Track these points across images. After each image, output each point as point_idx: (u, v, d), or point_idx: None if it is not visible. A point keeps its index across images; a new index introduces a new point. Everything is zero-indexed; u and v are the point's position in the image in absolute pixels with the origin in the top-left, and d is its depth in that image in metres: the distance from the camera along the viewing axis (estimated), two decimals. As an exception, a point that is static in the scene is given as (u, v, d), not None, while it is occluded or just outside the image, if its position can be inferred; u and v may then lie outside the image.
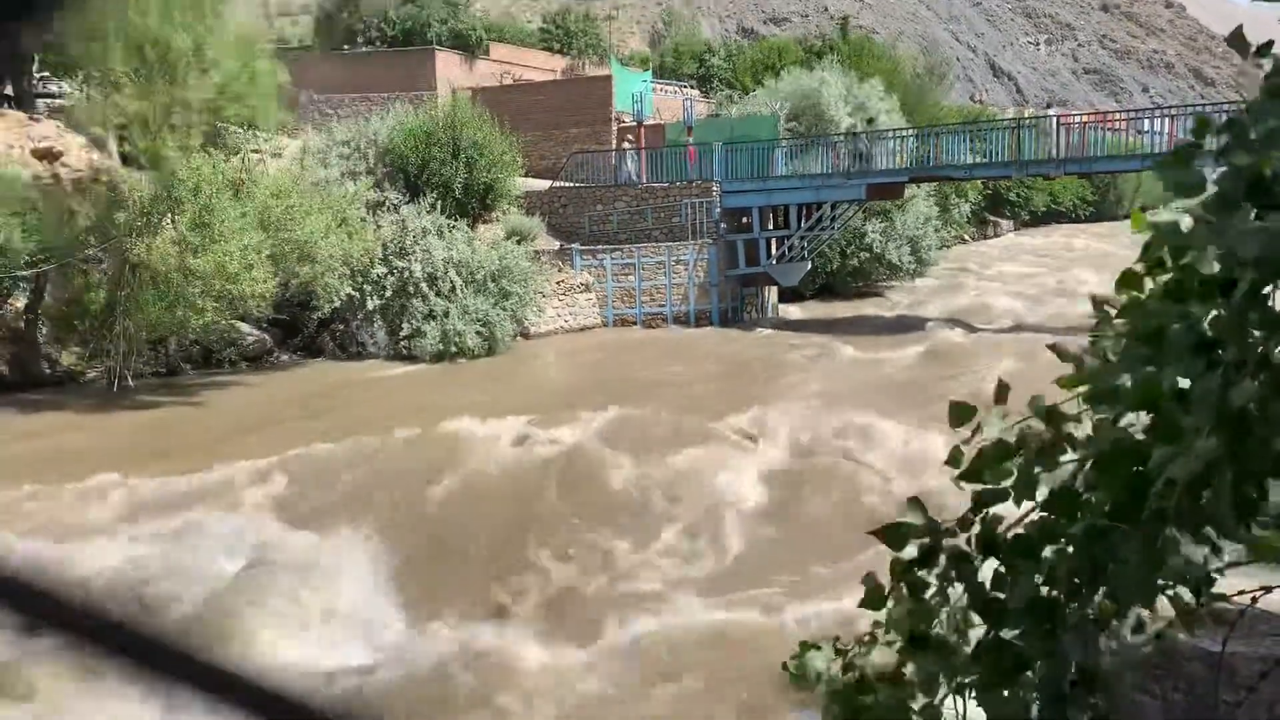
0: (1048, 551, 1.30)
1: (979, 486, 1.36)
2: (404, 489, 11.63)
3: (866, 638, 1.45)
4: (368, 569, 9.77)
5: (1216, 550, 1.27)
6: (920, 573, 1.37)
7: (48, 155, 20.89)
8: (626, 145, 30.78)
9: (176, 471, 12.46)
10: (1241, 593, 1.68)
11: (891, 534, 1.40)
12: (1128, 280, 1.28)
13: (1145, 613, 1.32)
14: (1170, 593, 1.30)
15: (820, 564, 9.77)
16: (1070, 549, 1.27)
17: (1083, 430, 1.32)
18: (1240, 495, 1.16)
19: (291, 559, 9.68)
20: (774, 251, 27.28)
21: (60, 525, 10.64)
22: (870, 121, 29.77)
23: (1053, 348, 1.41)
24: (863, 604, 1.43)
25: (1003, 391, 1.39)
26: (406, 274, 22.06)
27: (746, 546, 10.51)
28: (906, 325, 26.25)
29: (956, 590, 1.36)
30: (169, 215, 17.32)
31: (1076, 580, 1.27)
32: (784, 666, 1.52)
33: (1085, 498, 1.28)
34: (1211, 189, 1.21)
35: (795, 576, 9.54)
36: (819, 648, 1.47)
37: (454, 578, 9.70)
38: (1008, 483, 1.31)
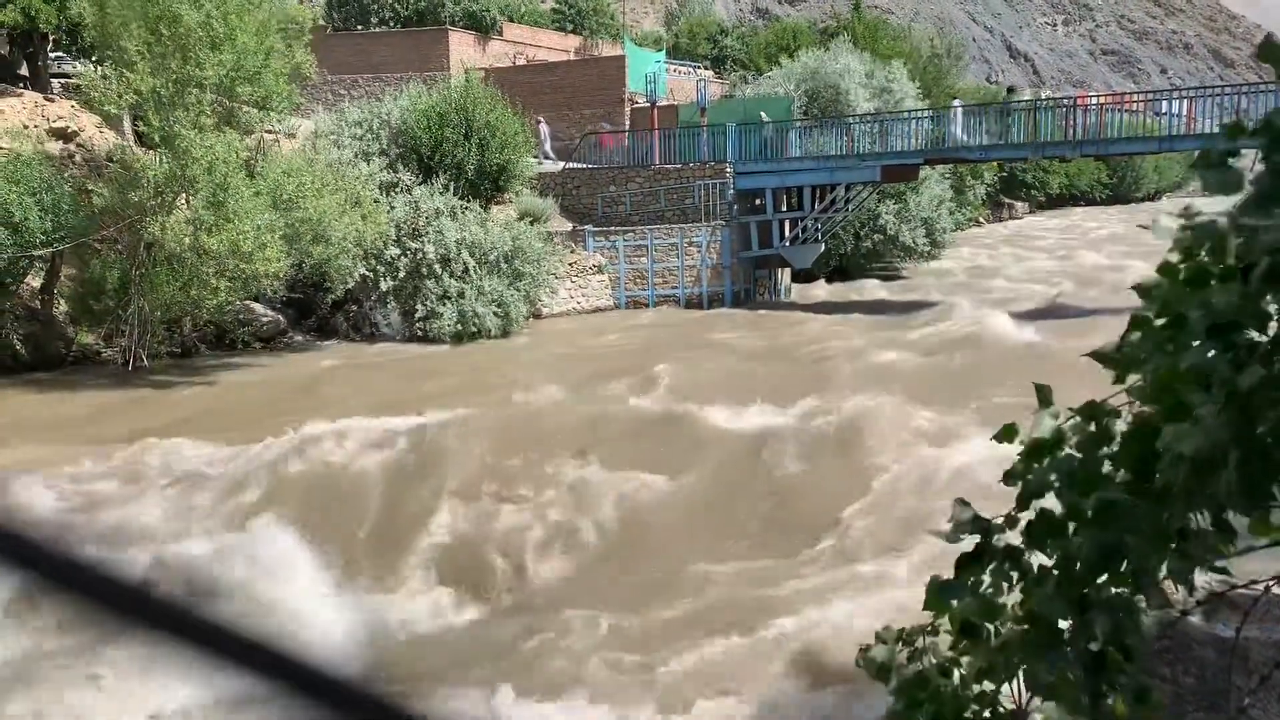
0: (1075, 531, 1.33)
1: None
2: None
3: (929, 628, 1.48)
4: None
5: (1230, 531, 1.28)
6: (975, 568, 1.41)
7: (63, 135, 20.96)
8: (540, 123, 31.18)
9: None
10: (1253, 582, 1.68)
11: (950, 536, 1.44)
12: (1165, 270, 1.30)
13: (1171, 592, 1.34)
14: (1175, 565, 1.31)
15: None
16: (1091, 527, 1.29)
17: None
18: (1249, 475, 1.17)
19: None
20: (787, 233, 27.20)
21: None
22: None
23: (1094, 355, 1.42)
24: (926, 606, 1.46)
25: (1044, 393, 1.42)
26: (420, 255, 22.07)
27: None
28: (920, 306, 26.17)
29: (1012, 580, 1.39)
30: (183, 194, 17.37)
31: (1101, 559, 1.29)
32: (857, 662, 1.55)
33: (1111, 477, 1.30)
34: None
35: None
36: (884, 640, 1.51)
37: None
38: (1053, 478, 1.33)
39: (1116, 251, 39.20)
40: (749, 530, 10.47)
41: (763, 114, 28.43)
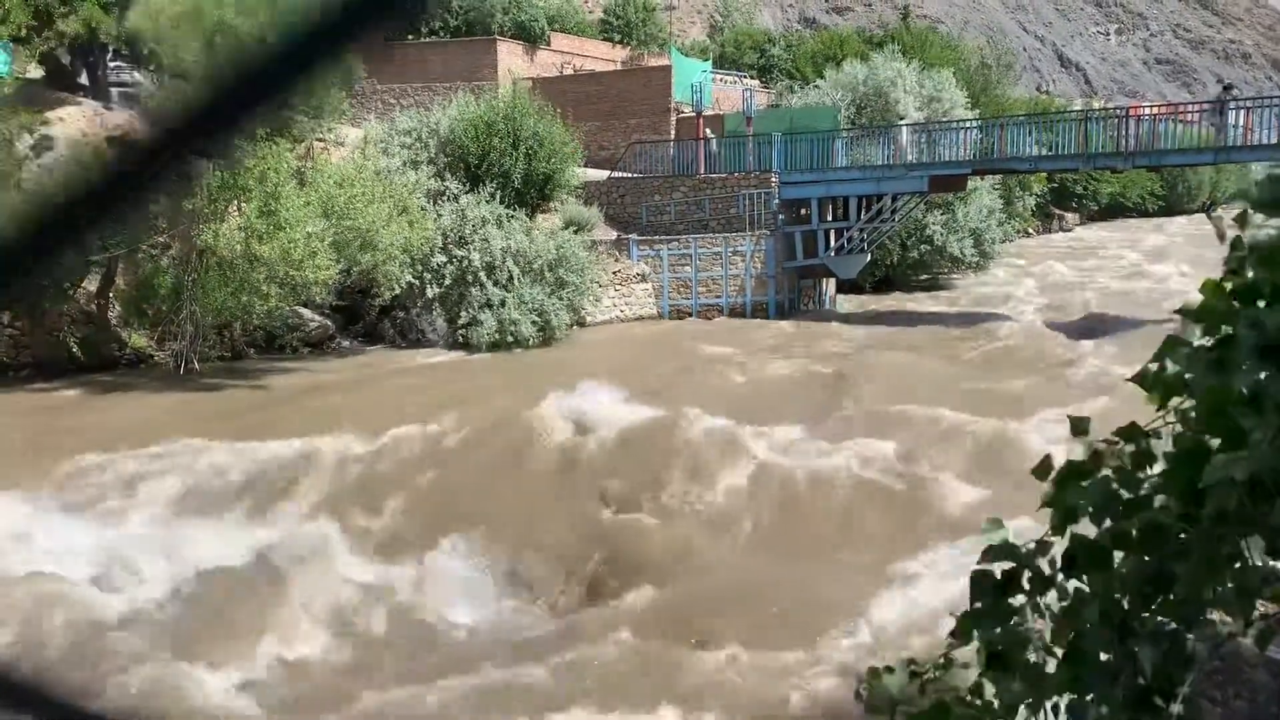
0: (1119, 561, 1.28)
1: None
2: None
3: (941, 659, 1.43)
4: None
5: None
6: (1007, 596, 1.36)
7: (121, 143, 21.41)
8: None
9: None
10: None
11: (982, 580, 1.40)
12: (1208, 289, 1.27)
13: (1220, 623, 1.29)
14: (1229, 596, 1.27)
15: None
16: (1137, 553, 1.25)
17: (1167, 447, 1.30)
18: None
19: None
20: (833, 243, 27.03)
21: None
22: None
23: (1136, 380, 1.38)
24: (953, 634, 1.42)
25: (1081, 424, 1.38)
26: (465, 263, 22.24)
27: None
28: (970, 319, 25.88)
29: (1044, 609, 1.34)
30: (235, 202, 17.67)
31: (1148, 588, 1.25)
32: (857, 695, 1.48)
33: (1157, 504, 1.26)
34: None
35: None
36: (891, 670, 1.45)
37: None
38: (1090, 503, 1.29)
39: None
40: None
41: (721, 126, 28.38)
